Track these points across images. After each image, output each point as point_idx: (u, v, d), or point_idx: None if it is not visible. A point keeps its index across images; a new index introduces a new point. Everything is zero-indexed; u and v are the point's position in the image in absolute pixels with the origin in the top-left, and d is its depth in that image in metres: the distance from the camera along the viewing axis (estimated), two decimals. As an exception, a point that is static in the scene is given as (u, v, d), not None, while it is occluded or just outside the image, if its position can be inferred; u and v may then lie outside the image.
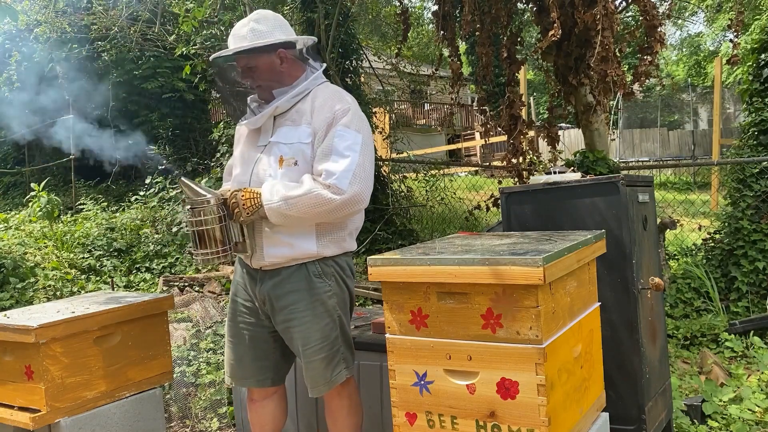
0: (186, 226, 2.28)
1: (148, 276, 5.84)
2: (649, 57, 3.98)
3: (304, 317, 2.20)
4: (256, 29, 2.23)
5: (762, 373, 3.71)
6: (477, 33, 4.59)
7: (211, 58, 2.32)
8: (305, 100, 2.25)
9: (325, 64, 2.41)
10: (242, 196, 2.16)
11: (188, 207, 2.19)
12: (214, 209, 2.17)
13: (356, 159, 2.10)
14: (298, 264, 2.22)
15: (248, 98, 2.37)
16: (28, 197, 7.34)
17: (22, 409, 2.41)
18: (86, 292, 5.25)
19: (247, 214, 2.16)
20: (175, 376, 3.33)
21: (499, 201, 2.70)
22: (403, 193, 7.71)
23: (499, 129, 4.88)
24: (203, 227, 2.17)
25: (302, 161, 2.17)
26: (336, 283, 2.26)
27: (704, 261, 5.15)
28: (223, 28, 6.61)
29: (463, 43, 14.26)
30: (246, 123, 2.32)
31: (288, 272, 2.22)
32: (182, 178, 2.23)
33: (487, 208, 5.30)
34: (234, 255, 2.29)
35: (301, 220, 2.14)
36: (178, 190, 7.48)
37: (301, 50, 2.30)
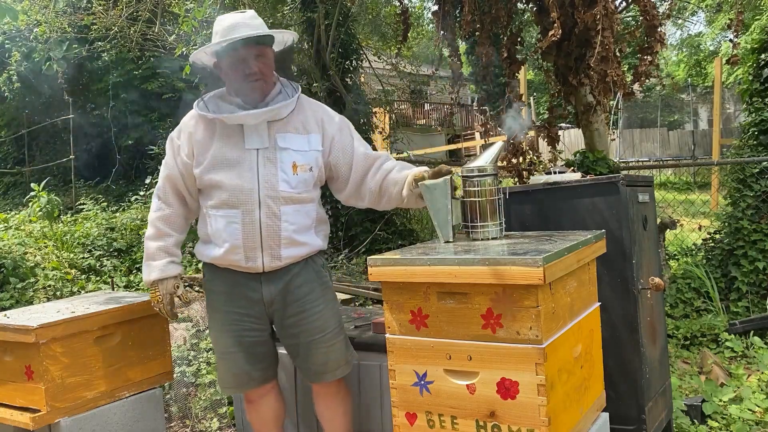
0: (480, 198, 2.09)
1: (148, 276, 5.82)
2: (649, 57, 3.98)
3: (318, 306, 2.29)
4: (262, 25, 2.21)
5: (762, 373, 3.71)
6: (477, 33, 4.59)
7: (238, 37, 2.10)
8: (300, 108, 2.28)
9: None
10: None
11: (493, 177, 2.10)
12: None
13: None
14: (304, 259, 2.30)
15: (204, 95, 2.29)
16: (28, 197, 7.32)
17: (22, 409, 2.41)
18: (86, 292, 5.24)
19: None
20: (175, 376, 3.32)
21: (499, 201, 2.70)
22: (403, 193, 7.68)
23: (499, 129, 4.88)
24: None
25: (315, 167, 2.27)
26: (328, 273, 2.42)
27: (704, 261, 5.15)
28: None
29: (463, 43, 14.26)
30: (246, 115, 2.14)
31: (298, 267, 2.28)
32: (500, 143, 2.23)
33: (488, 208, 5.28)
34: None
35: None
36: None
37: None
